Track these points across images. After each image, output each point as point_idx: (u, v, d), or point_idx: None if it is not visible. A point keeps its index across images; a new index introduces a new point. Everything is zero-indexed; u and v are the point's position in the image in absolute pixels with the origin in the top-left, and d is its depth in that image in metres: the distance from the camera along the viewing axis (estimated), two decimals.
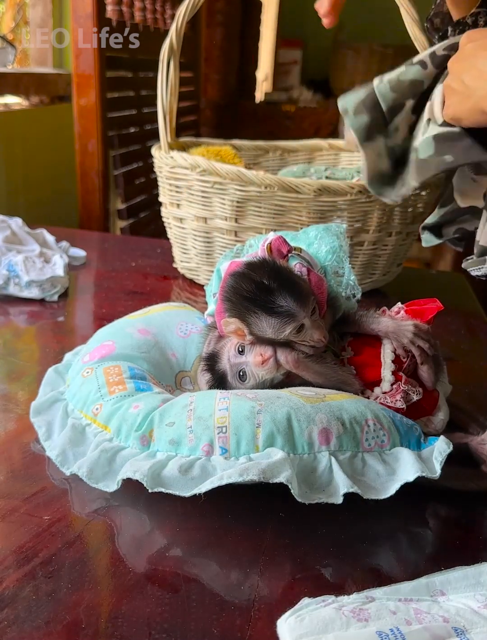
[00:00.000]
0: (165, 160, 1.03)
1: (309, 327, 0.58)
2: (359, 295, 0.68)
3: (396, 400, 0.59)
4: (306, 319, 0.58)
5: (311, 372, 0.59)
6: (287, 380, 0.61)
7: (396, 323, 0.62)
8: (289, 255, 0.62)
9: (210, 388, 0.63)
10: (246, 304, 0.58)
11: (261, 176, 0.96)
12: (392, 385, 0.60)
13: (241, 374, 0.60)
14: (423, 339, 0.61)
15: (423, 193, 1.03)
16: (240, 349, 0.60)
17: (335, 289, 0.67)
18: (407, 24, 0.92)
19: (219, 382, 0.62)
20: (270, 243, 0.62)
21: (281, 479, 0.49)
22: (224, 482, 0.49)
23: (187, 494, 0.50)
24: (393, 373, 0.60)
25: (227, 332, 0.60)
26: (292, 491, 0.49)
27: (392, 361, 0.61)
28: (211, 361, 0.63)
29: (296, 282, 0.58)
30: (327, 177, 1.17)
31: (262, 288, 0.57)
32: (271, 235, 0.64)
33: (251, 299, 0.58)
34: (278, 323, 0.57)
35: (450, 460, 0.53)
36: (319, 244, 0.69)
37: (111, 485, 0.53)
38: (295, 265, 0.62)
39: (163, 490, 0.50)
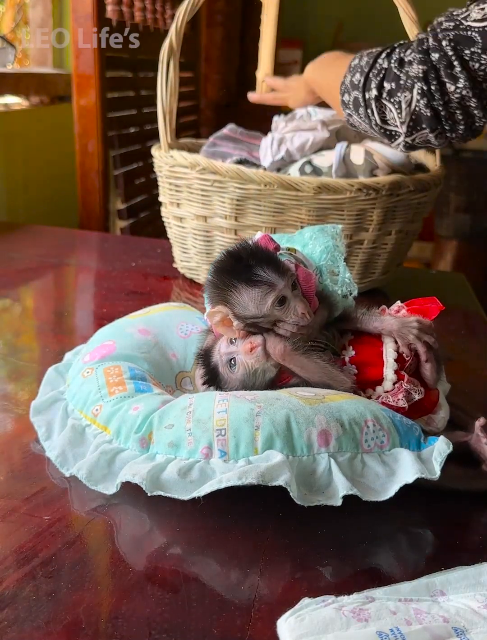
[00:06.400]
0: (165, 159, 1.03)
1: (292, 300, 0.59)
2: (355, 293, 0.69)
3: (398, 400, 0.59)
4: (287, 290, 0.59)
5: (298, 366, 0.59)
6: (282, 378, 0.61)
7: (399, 321, 0.62)
8: (278, 253, 0.63)
9: (203, 383, 0.63)
10: (226, 279, 0.59)
11: (261, 174, 0.96)
12: (394, 384, 0.60)
13: (232, 362, 0.60)
14: (428, 334, 0.61)
15: (423, 193, 1.03)
16: (232, 340, 0.61)
17: (331, 287, 0.68)
18: (406, 25, 0.92)
19: (212, 375, 0.62)
20: (257, 242, 0.63)
21: (279, 482, 0.49)
22: (223, 485, 0.49)
23: (186, 497, 0.50)
24: (395, 372, 0.60)
25: (215, 326, 0.61)
26: (290, 494, 0.49)
27: (395, 360, 0.61)
28: (205, 356, 0.63)
29: (273, 257, 0.60)
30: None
31: (242, 263, 0.59)
32: (258, 235, 0.65)
33: (230, 272, 0.59)
34: (259, 294, 0.58)
35: (450, 460, 0.53)
36: (314, 245, 0.69)
37: (110, 488, 0.53)
38: (283, 261, 0.63)
39: (162, 493, 0.50)
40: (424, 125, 0.71)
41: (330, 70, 0.91)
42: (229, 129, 1.21)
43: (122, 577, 0.46)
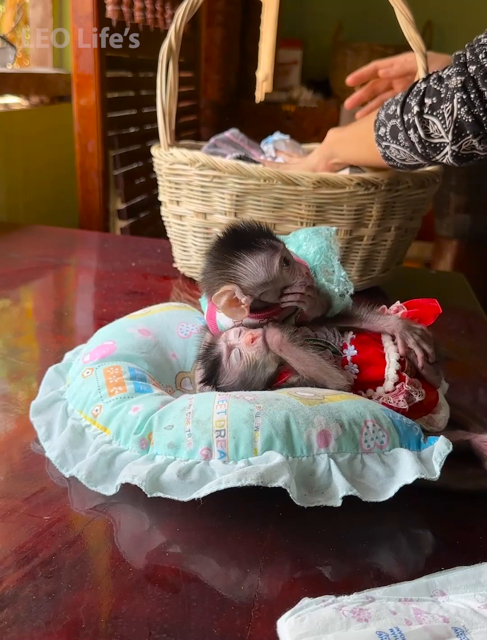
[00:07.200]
0: (165, 157, 1.03)
1: (294, 263, 0.62)
2: (351, 291, 0.69)
3: (399, 401, 0.59)
4: (287, 253, 0.62)
5: (294, 357, 0.60)
6: (281, 375, 0.61)
7: (404, 322, 0.62)
8: None
9: (202, 380, 0.63)
10: (229, 254, 0.61)
11: (260, 169, 0.96)
12: (395, 384, 0.60)
13: (237, 353, 0.61)
14: (428, 344, 0.61)
15: (421, 188, 1.03)
16: (237, 332, 0.62)
17: (327, 286, 0.68)
18: (402, 25, 0.92)
19: (213, 367, 0.62)
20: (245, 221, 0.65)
21: (279, 483, 0.49)
22: (222, 486, 0.49)
23: (186, 498, 0.50)
24: (397, 372, 0.60)
25: (223, 309, 0.61)
26: (290, 495, 0.49)
27: (397, 360, 0.61)
28: (209, 348, 0.63)
29: (266, 228, 0.63)
30: None
31: (240, 236, 0.62)
32: None
33: (232, 247, 0.61)
34: (265, 257, 0.60)
35: (451, 459, 0.53)
36: (308, 245, 0.70)
37: (110, 489, 0.53)
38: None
39: (162, 494, 0.50)
40: (467, 132, 0.74)
41: (356, 125, 0.96)
42: (231, 133, 1.22)
43: (122, 577, 0.46)
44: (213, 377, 0.62)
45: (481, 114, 0.72)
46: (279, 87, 3.51)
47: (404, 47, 0.98)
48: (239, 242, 0.62)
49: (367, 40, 3.21)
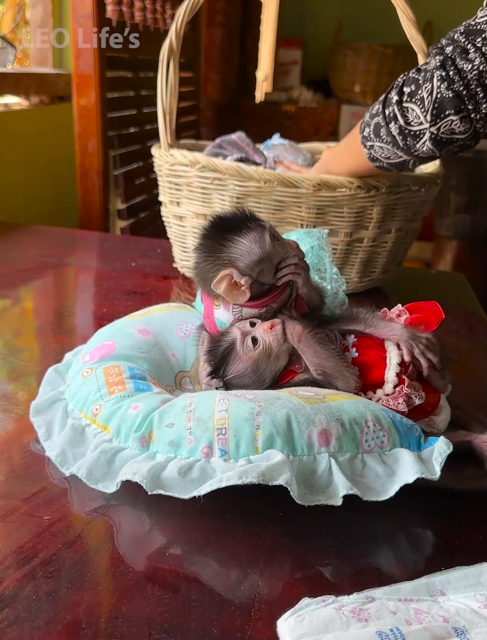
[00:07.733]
0: (165, 158, 1.03)
1: (282, 238, 0.65)
2: (344, 287, 0.71)
3: (398, 403, 0.59)
4: (274, 230, 0.64)
5: (311, 351, 0.60)
6: (285, 375, 0.62)
7: (409, 332, 0.62)
8: None
9: (210, 373, 0.63)
10: (222, 240, 0.63)
11: (261, 171, 0.96)
12: (395, 387, 0.60)
13: (253, 339, 0.61)
14: (433, 353, 0.61)
15: (422, 190, 1.03)
16: (251, 324, 0.63)
17: (319, 283, 0.69)
18: (404, 25, 0.92)
19: (221, 359, 0.62)
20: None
21: (280, 481, 0.49)
22: (223, 484, 0.49)
23: (186, 496, 0.50)
24: (397, 375, 0.60)
25: (223, 293, 0.62)
26: (291, 494, 0.49)
27: (398, 364, 0.60)
28: (214, 348, 0.63)
29: (249, 212, 0.65)
30: None
31: (224, 222, 0.64)
32: None
33: (223, 232, 0.63)
34: (256, 235, 0.62)
35: (451, 459, 0.53)
36: (300, 245, 0.70)
37: (110, 487, 0.53)
38: None
39: (162, 492, 0.50)
40: (448, 111, 0.75)
41: (345, 138, 0.97)
42: (238, 136, 1.22)
43: (122, 577, 0.46)
44: (222, 366, 0.62)
45: (462, 89, 0.73)
46: (279, 87, 3.51)
47: (404, 47, 0.98)
48: (226, 227, 0.63)
49: (367, 40, 3.21)
